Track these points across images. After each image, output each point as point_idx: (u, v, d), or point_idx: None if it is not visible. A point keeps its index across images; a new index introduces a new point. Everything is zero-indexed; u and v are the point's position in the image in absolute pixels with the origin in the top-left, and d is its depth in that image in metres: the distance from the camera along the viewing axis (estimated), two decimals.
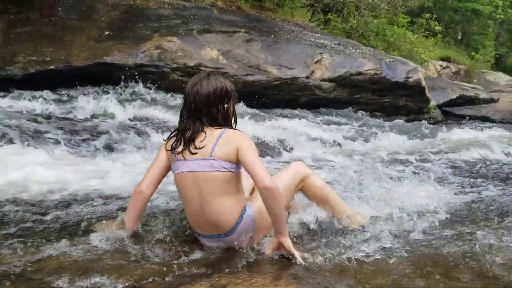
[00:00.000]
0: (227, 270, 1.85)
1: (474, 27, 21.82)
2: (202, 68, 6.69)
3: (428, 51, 12.74)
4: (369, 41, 11.49)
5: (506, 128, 9.05)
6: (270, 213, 1.93)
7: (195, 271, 1.84)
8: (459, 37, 21.76)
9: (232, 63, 7.07)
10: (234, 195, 2.06)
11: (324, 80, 7.68)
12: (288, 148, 5.22)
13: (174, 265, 1.86)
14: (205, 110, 2.05)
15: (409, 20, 13.95)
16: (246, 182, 2.22)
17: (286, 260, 1.98)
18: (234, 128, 2.15)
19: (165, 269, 1.83)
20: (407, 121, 8.55)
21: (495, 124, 10.16)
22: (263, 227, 2.12)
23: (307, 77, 7.48)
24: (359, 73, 7.86)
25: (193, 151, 2.00)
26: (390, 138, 6.54)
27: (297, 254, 1.93)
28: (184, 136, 2.03)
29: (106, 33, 6.61)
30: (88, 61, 6.13)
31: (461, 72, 14.62)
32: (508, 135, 7.98)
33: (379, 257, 2.02)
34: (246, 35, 7.72)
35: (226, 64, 6.99)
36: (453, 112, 11.20)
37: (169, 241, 2.16)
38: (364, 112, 8.20)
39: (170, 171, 2.15)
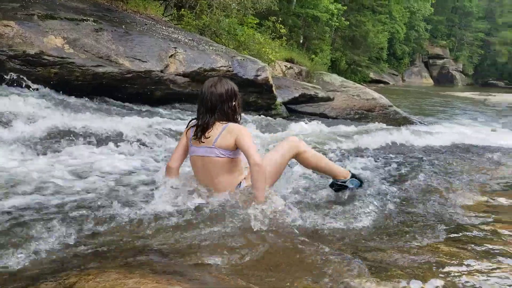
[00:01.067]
0: (77, 266, 1.77)
1: (314, 32, 23.87)
2: (46, 57, 6.14)
3: (275, 52, 13.56)
4: (221, 39, 11.83)
5: (339, 123, 10.33)
6: (255, 182, 2.58)
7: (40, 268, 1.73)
8: (301, 41, 23.62)
9: (80, 53, 6.60)
10: (232, 173, 2.79)
11: (179, 74, 7.67)
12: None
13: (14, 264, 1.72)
14: (218, 107, 2.74)
15: (258, 22, 14.72)
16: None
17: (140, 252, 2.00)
18: (238, 122, 2.86)
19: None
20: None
21: (331, 120, 11.44)
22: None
23: (161, 71, 7.38)
24: (213, 69, 8.02)
25: (202, 140, 2.72)
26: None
27: (251, 211, 2.50)
28: (198, 128, 2.75)
29: None
30: None
31: (303, 73, 15.69)
32: (343, 129, 9.13)
33: None
34: (95, 24, 7.27)
35: (73, 54, 6.49)
36: (296, 109, 12.09)
37: None
38: None
39: None
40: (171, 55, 7.70)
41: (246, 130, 2.76)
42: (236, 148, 2.71)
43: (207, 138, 2.71)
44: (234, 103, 2.81)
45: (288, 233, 2.54)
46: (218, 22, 11.53)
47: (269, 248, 2.30)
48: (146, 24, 8.58)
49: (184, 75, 7.72)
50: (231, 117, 2.80)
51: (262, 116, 8.79)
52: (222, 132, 2.70)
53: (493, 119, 17.14)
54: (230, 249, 2.22)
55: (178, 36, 8.79)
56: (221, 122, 2.75)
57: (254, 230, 2.44)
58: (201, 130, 2.72)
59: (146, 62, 7.23)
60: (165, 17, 11.07)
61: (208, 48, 8.80)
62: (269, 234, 2.45)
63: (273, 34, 15.62)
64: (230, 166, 2.76)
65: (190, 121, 2.93)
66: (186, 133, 2.91)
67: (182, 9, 11.30)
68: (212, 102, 2.73)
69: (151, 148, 4.98)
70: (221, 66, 8.15)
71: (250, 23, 13.85)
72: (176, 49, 7.91)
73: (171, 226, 2.52)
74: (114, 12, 8.57)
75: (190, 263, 2.00)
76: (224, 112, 2.75)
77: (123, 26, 7.80)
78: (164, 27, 9.13)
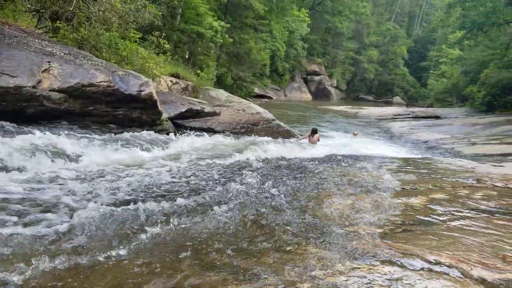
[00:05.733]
0: None
1: (199, 48, 24.15)
2: None
3: (160, 67, 13.45)
4: (102, 53, 11.41)
5: (225, 137, 10.62)
6: None
7: None
8: (187, 56, 23.74)
9: None
10: None
11: (53, 90, 7.23)
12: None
13: None
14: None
15: (141, 36, 14.49)
16: None
17: None
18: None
19: None
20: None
21: (217, 134, 11.70)
22: None
23: (33, 87, 6.90)
24: (92, 85, 7.72)
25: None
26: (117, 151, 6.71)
27: None
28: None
29: None
30: None
31: (189, 88, 15.81)
32: (227, 141, 9.39)
33: None
34: None
35: None
36: (183, 124, 12.15)
37: None
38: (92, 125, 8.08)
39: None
40: (45, 70, 7.25)
41: None
42: None
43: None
44: None
45: None
46: (98, 35, 11.10)
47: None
48: (16, 37, 7.97)
49: (60, 90, 7.30)
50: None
51: (146, 131, 8.67)
52: None
53: (364, 129, 19.00)
54: None
55: (53, 50, 8.30)
56: None
57: None
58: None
59: (15, 77, 6.71)
60: (39, 29, 10.33)
61: (87, 62, 8.45)
62: None
63: (157, 49, 15.47)
64: None
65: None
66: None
67: (58, 22, 10.65)
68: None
69: None
70: (101, 82, 7.88)
71: (132, 37, 13.57)
72: (50, 63, 7.46)
73: None
74: None
75: None
76: None
77: None
78: (37, 40, 8.55)
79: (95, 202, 3.76)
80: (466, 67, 33.27)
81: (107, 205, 3.64)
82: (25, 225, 3.05)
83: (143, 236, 2.91)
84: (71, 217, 3.30)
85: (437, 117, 25.36)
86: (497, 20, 29.27)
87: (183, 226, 3.14)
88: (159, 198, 4.07)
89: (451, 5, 35.74)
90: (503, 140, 14.98)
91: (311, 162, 6.72)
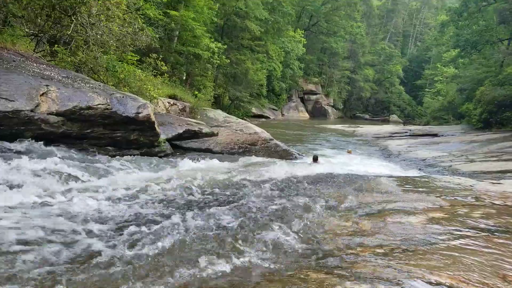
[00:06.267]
0: None
1: (196, 69, 24.35)
2: None
3: (157, 89, 13.51)
4: (99, 76, 11.49)
5: (223, 158, 10.61)
6: None
7: None
8: (184, 77, 23.92)
9: None
10: None
11: (51, 113, 7.26)
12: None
13: None
14: None
15: (138, 58, 14.62)
16: None
17: None
18: None
19: None
20: (139, 154, 8.94)
21: (215, 154, 11.69)
22: None
23: (31, 110, 6.92)
24: (89, 108, 7.74)
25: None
26: (126, 173, 6.72)
27: None
28: None
29: None
30: None
31: (187, 109, 15.85)
32: (224, 164, 9.38)
33: None
34: None
35: None
36: (181, 145, 12.12)
37: None
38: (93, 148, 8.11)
39: None
40: (43, 93, 7.28)
41: None
42: None
43: None
44: None
45: None
46: (96, 58, 11.19)
47: None
48: (14, 61, 8.03)
49: (58, 114, 7.32)
50: None
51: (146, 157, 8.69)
52: None
53: (361, 148, 19.02)
54: None
55: (51, 73, 8.36)
56: None
57: None
58: None
59: (13, 101, 6.73)
60: (37, 53, 10.43)
61: (85, 85, 8.49)
62: None
63: (155, 71, 15.58)
64: None
65: None
66: None
67: (56, 45, 10.76)
68: None
69: None
70: (98, 104, 7.91)
71: (130, 59, 13.68)
72: (49, 87, 7.50)
73: None
74: None
75: None
76: None
77: None
78: (35, 64, 8.62)
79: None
80: (462, 85, 33.58)
81: None
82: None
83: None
84: None
85: (434, 135, 25.46)
86: (490, 38, 29.76)
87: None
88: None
89: (444, 24, 36.39)
90: (500, 157, 15.02)
91: (310, 183, 6.71)
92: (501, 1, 26.38)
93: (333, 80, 61.24)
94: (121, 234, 3.55)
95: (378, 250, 3.33)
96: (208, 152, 12.25)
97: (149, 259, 2.96)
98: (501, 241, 3.75)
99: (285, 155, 13.72)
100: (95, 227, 3.73)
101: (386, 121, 60.15)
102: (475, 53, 31.89)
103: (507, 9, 25.31)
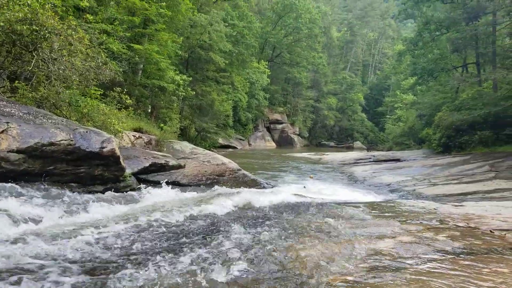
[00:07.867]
0: None
1: (162, 102, 24.28)
2: None
3: (122, 122, 13.32)
4: (62, 111, 11.26)
5: (190, 190, 10.50)
6: None
7: None
8: (149, 110, 23.76)
9: None
10: None
11: (12, 151, 7.02)
12: None
13: None
14: None
15: (102, 92, 14.45)
16: None
17: None
18: None
19: None
20: (104, 190, 8.73)
21: (183, 187, 11.54)
22: None
23: None
24: (52, 144, 7.54)
25: None
26: (84, 211, 6.54)
27: None
28: None
29: None
30: None
31: (153, 142, 15.64)
32: (191, 195, 9.28)
33: None
34: None
35: None
36: (147, 179, 11.89)
37: None
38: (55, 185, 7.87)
39: None
40: (3, 131, 7.06)
41: None
42: None
43: None
44: None
45: None
46: (58, 94, 10.98)
47: None
48: None
49: (19, 151, 7.09)
50: None
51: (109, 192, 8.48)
52: None
53: (328, 175, 19.29)
54: None
55: (12, 110, 8.14)
56: None
57: None
58: None
59: None
60: None
61: (47, 121, 8.30)
62: None
63: (119, 104, 15.40)
64: None
65: None
66: None
67: (16, 81, 10.51)
68: None
69: None
70: (61, 140, 7.72)
71: (93, 94, 13.50)
72: (9, 124, 7.29)
73: None
74: None
75: None
76: None
77: None
78: None
79: None
80: (421, 111, 34.96)
81: None
82: None
83: None
84: None
85: (397, 160, 26.15)
86: (445, 66, 31.34)
87: None
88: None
89: (401, 54, 38.12)
90: (461, 180, 15.56)
91: (275, 212, 6.71)
92: (453, 31, 27.94)
93: (298, 109, 62.46)
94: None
95: (349, 278, 3.35)
96: (176, 184, 12.08)
97: None
98: (466, 263, 3.85)
99: (253, 185, 13.70)
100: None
101: (351, 148, 61.48)
102: (432, 80, 33.42)
103: (459, 38, 26.80)
